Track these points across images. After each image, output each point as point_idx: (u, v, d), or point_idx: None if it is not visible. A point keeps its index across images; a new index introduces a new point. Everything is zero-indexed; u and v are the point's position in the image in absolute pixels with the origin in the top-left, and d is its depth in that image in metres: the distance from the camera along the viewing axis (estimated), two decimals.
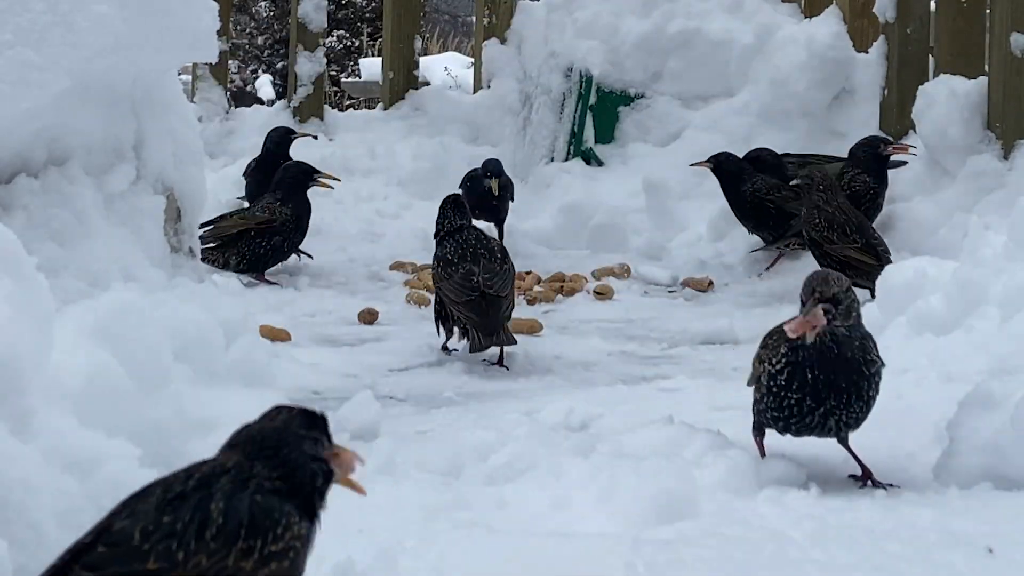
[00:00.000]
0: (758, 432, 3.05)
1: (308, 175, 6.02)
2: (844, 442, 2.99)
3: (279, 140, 6.75)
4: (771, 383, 2.94)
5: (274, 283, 5.86)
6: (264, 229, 5.87)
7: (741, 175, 6.11)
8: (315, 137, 7.41)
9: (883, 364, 2.98)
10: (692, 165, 6.41)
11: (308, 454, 1.84)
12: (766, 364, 2.96)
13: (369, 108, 9.91)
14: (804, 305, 2.85)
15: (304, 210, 5.97)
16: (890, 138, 6.40)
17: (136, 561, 1.71)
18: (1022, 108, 6.01)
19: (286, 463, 1.82)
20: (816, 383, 2.89)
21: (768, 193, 6.06)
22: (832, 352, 2.88)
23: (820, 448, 3.11)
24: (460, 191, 5.90)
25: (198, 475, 1.79)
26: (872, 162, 5.99)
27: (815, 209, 5.41)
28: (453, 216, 4.67)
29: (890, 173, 6.12)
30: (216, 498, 1.75)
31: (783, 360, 2.92)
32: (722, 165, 6.18)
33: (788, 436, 3.00)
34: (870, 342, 2.94)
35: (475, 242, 4.60)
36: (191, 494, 1.76)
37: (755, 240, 6.22)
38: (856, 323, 2.90)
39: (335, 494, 1.90)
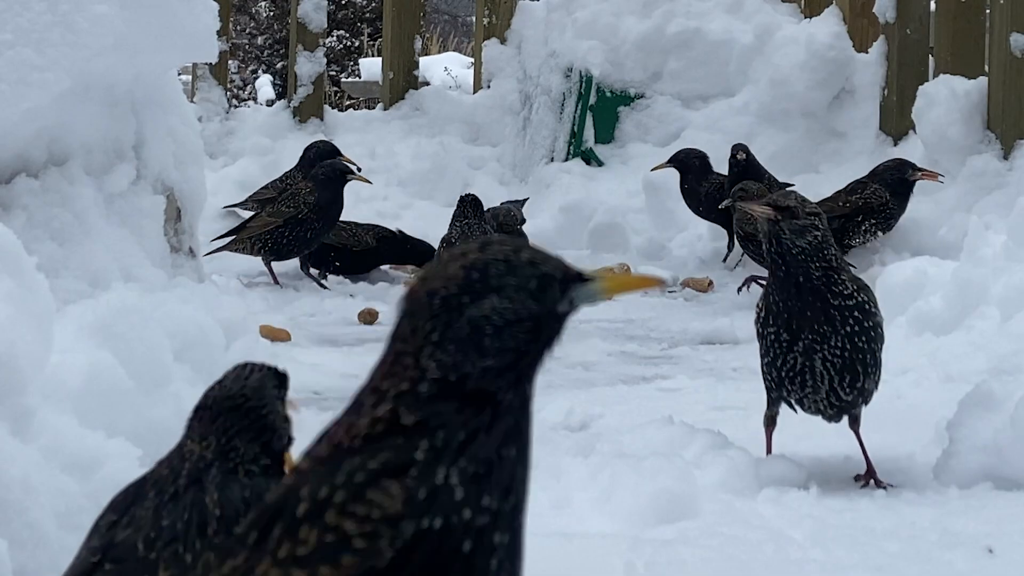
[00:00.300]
0: (769, 422, 3.05)
1: (343, 175, 6.00)
2: (854, 422, 2.98)
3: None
4: (758, 327, 2.99)
5: (278, 283, 5.87)
6: (289, 220, 5.90)
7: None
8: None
9: (874, 309, 2.93)
10: (653, 169, 6.43)
11: (281, 415, 1.82)
12: (756, 319, 3.00)
13: (369, 108, 9.91)
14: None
15: (328, 200, 5.93)
16: (916, 164, 6.32)
17: (147, 572, 1.71)
18: (1022, 108, 6.02)
19: (265, 429, 1.80)
20: (780, 311, 2.91)
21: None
22: (780, 269, 2.90)
23: (820, 448, 3.11)
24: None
25: (186, 470, 1.78)
26: (897, 185, 5.88)
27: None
28: (471, 213, 4.94)
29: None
30: (209, 491, 1.75)
31: (759, 305, 2.98)
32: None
33: (798, 409, 3.00)
34: (850, 283, 2.91)
35: (480, 235, 4.86)
36: (184, 493, 1.75)
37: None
38: (814, 250, 2.88)
39: None
